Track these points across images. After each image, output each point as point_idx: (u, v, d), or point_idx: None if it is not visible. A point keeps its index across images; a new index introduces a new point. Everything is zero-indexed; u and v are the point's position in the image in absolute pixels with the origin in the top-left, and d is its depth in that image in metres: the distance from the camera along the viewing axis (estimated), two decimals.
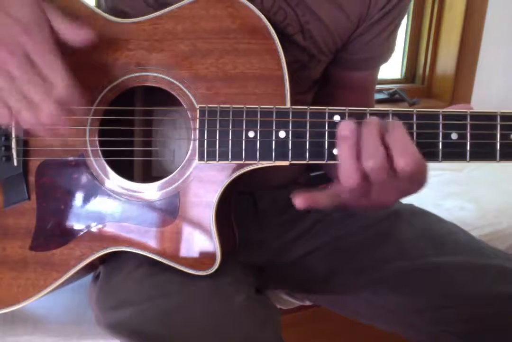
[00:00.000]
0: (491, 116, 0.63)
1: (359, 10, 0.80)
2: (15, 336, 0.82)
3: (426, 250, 0.83)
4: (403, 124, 0.61)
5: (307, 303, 1.04)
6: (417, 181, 0.63)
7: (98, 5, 0.84)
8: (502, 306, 0.76)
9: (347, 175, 0.61)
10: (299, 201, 0.64)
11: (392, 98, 1.79)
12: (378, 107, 1.04)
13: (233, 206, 0.78)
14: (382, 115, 0.64)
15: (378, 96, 1.76)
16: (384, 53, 0.89)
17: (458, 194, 1.39)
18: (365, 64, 0.89)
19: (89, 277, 0.83)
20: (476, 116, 0.63)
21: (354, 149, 0.60)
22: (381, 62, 0.91)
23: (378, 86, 1.33)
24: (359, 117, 0.64)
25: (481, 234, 1.17)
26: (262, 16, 0.69)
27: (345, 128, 0.61)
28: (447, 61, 1.86)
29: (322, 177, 0.96)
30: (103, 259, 0.77)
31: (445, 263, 0.81)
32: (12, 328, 0.82)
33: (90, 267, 0.77)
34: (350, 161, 0.60)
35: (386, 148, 0.60)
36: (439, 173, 1.45)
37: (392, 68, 1.93)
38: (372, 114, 0.64)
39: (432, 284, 0.80)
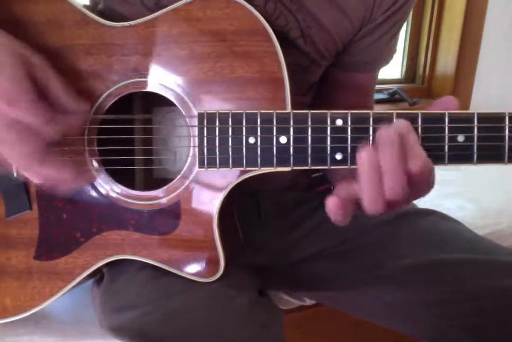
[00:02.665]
0: (499, 118, 0.61)
1: (362, 13, 0.79)
2: (15, 336, 0.81)
3: (432, 247, 0.83)
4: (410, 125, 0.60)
5: (307, 303, 1.04)
6: (425, 185, 0.62)
7: (94, 4, 0.82)
8: (508, 300, 0.76)
9: (372, 200, 0.59)
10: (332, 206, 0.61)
11: (392, 98, 1.79)
12: (378, 108, 1.03)
13: (237, 208, 0.78)
14: (387, 119, 0.63)
15: (378, 96, 1.75)
16: (385, 56, 0.89)
17: (458, 194, 1.39)
18: (366, 66, 0.88)
19: None
20: (483, 118, 0.61)
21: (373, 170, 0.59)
22: (382, 64, 0.91)
23: (378, 86, 1.33)
24: (361, 122, 0.63)
25: (481, 233, 1.17)
26: (261, 17, 0.66)
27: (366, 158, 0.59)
28: (447, 61, 1.86)
29: (323, 178, 0.96)
30: (107, 263, 0.77)
31: (451, 259, 0.81)
32: (12, 328, 0.81)
33: (95, 273, 0.77)
34: (375, 186, 0.59)
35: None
36: (439, 172, 1.45)
37: (392, 68, 1.93)
38: (375, 118, 0.63)
39: (439, 279, 0.80)
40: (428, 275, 0.81)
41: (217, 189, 0.70)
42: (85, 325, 0.84)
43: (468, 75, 1.84)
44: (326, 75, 0.88)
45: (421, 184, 0.61)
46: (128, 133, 0.76)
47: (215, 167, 0.67)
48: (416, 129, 0.63)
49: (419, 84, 1.94)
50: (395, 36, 0.86)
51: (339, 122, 0.64)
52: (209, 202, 0.70)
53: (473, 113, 0.62)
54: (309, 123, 0.64)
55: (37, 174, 0.64)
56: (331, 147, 0.64)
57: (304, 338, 1.18)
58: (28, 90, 0.60)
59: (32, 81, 0.61)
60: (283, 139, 0.65)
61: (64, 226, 0.74)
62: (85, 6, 0.73)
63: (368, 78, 0.92)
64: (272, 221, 0.91)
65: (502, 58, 1.87)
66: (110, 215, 0.73)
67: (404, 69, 1.94)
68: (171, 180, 0.72)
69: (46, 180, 0.65)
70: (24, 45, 0.63)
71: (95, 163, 0.73)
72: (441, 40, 1.86)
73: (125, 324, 0.69)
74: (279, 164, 0.66)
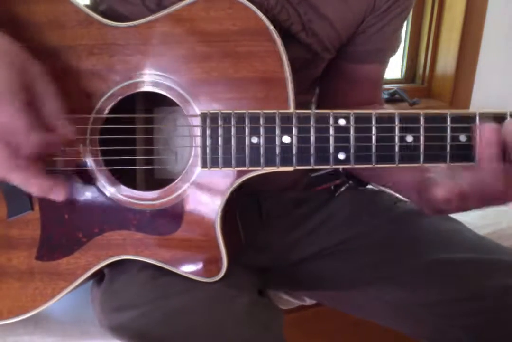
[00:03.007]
0: (500, 117, 0.61)
1: (365, 3, 0.79)
2: (15, 335, 0.81)
3: (433, 247, 0.84)
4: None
5: (307, 303, 1.04)
6: None
7: (95, 4, 0.82)
8: (509, 299, 0.76)
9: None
10: None
11: (392, 98, 1.79)
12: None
13: (238, 209, 0.78)
14: (389, 118, 0.63)
15: None
16: (389, 47, 0.89)
17: None
18: (370, 56, 0.88)
19: None
20: (485, 117, 0.62)
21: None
22: (386, 56, 0.90)
23: None
24: (364, 121, 0.63)
25: (481, 233, 1.17)
26: (263, 17, 0.67)
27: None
28: (447, 61, 1.86)
29: (323, 177, 0.96)
30: (108, 263, 0.77)
31: (453, 259, 0.81)
32: (12, 328, 0.81)
33: (97, 273, 0.77)
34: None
35: None
36: None
37: (392, 68, 1.92)
38: (378, 117, 0.63)
39: (439, 279, 0.80)
40: (429, 275, 0.81)
41: (220, 189, 0.69)
42: (85, 325, 0.84)
43: (468, 75, 1.84)
44: (335, 71, 0.88)
45: None
46: (130, 133, 0.76)
47: (218, 167, 0.67)
48: (418, 129, 0.63)
49: (419, 84, 1.94)
50: (399, 28, 0.86)
51: (342, 122, 0.64)
52: (211, 202, 0.70)
53: (475, 112, 0.62)
54: (312, 123, 0.64)
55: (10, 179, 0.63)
56: (334, 147, 0.64)
57: (304, 338, 1.18)
58: (19, 99, 0.60)
59: (25, 93, 0.61)
60: (286, 139, 0.65)
61: (66, 226, 0.74)
62: (86, 6, 0.73)
63: (374, 71, 0.91)
64: (273, 221, 0.91)
65: (502, 58, 1.87)
66: (112, 215, 0.73)
67: (404, 69, 1.94)
68: (173, 180, 0.72)
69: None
70: (25, 55, 0.62)
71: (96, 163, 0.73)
72: (441, 40, 1.86)
73: (124, 324, 0.69)
74: (282, 164, 0.66)
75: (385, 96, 1.79)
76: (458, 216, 0.93)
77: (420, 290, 0.81)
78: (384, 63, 0.92)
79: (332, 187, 0.97)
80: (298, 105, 0.67)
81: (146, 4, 0.74)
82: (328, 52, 0.82)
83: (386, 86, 1.84)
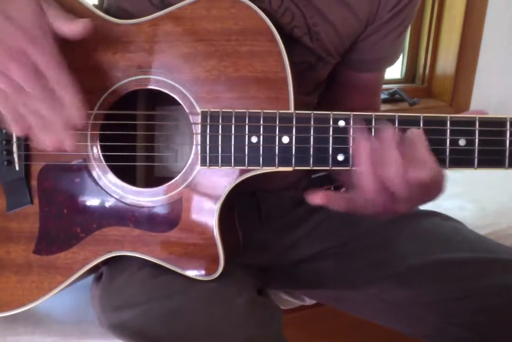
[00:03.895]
0: (500, 122, 0.62)
1: (368, 10, 0.79)
2: (15, 335, 0.82)
3: (434, 247, 0.84)
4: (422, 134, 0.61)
5: (307, 302, 1.04)
6: (433, 191, 0.63)
7: (101, 2, 0.83)
8: (509, 297, 0.77)
9: (366, 181, 0.61)
10: (316, 197, 0.63)
11: (392, 98, 1.79)
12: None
13: (237, 208, 0.78)
14: (389, 121, 0.63)
15: None
16: (392, 55, 0.89)
17: (458, 194, 1.39)
18: (372, 65, 0.88)
19: (90, 277, 0.83)
20: (485, 122, 0.62)
21: (373, 157, 0.61)
22: (388, 64, 0.91)
23: None
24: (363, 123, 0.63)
25: (481, 234, 1.17)
26: (265, 17, 0.67)
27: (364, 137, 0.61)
28: (447, 61, 1.86)
29: (323, 178, 0.96)
30: (106, 260, 0.77)
31: (453, 258, 0.81)
32: (12, 328, 0.82)
33: (94, 269, 0.77)
34: (368, 168, 0.61)
35: (404, 159, 0.60)
36: None
37: (392, 68, 1.92)
38: (378, 119, 0.63)
39: (440, 278, 0.81)
40: (429, 274, 0.82)
41: (219, 188, 0.70)
42: (85, 325, 0.85)
43: (468, 75, 1.84)
44: (335, 75, 0.88)
45: (429, 189, 0.62)
46: (132, 131, 0.76)
47: (217, 165, 0.68)
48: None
49: (419, 84, 1.93)
50: (401, 35, 0.86)
51: (341, 123, 0.64)
52: (210, 201, 0.70)
53: (475, 117, 0.62)
54: (312, 123, 0.64)
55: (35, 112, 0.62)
56: (333, 148, 0.65)
57: (304, 338, 1.18)
58: (48, 32, 0.61)
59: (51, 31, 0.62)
60: (285, 139, 0.66)
61: (65, 220, 0.75)
62: (94, 5, 0.73)
63: (375, 78, 0.92)
64: (272, 221, 0.91)
65: (502, 58, 1.86)
66: (111, 211, 0.74)
67: (404, 69, 1.94)
68: (172, 178, 0.72)
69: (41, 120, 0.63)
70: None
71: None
72: (441, 40, 1.86)
73: (124, 322, 0.69)
74: (281, 164, 0.66)
75: (385, 96, 1.79)
76: (458, 216, 0.93)
77: (420, 289, 0.82)
78: (384, 70, 0.92)
79: (332, 188, 0.97)
80: (300, 106, 0.67)
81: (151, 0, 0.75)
82: (332, 57, 0.83)
83: (386, 86, 1.83)
